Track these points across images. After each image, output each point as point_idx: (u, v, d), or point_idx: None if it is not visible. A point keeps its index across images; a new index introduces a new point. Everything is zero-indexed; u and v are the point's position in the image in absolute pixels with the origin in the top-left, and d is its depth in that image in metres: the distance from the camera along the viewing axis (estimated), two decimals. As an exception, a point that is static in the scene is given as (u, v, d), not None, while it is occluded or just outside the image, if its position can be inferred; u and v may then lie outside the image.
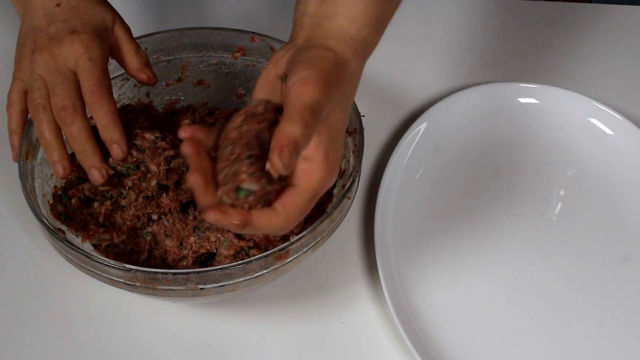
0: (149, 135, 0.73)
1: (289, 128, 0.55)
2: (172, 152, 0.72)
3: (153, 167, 0.72)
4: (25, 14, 0.71)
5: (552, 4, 1.02)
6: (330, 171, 0.58)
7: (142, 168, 0.73)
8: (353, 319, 0.77)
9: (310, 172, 0.58)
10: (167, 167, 0.72)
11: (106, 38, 0.71)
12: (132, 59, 0.73)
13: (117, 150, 0.68)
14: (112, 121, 0.67)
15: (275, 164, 0.55)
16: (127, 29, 0.74)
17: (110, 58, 0.72)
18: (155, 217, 0.72)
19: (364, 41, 0.62)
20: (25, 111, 0.71)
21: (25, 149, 0.71)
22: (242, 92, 0.83)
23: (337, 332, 0.76)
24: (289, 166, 0.55)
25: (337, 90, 0.58)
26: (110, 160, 0.73)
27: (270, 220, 0.58)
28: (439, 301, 0.78)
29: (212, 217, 0.56)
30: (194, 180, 0.56)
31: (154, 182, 0.72)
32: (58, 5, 0.70)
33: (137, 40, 0.78)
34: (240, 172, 0.56)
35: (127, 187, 0.72)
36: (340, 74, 0.59)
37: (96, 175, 0.68)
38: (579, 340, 0.76)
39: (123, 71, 0.79)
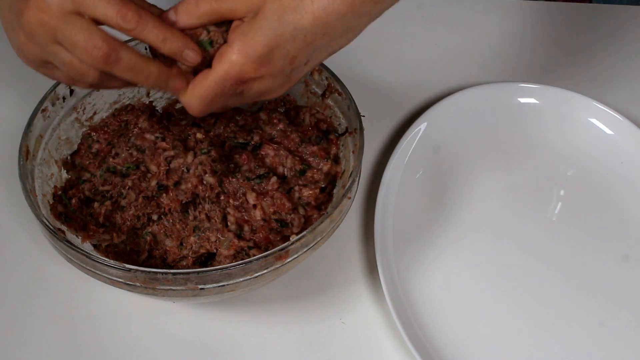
0: (149, 136, 0.73)
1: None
2: (172, 153, 0.72)
3: (153, 167, 0.72)
4: None
5: (552, 4, 1.02)
6: (245, 58, 0.56)
7: (142, 168, 0.73)
8: (353, 319, 0.77)
9: (221, 54, 0.58)
10: (167, 168, 0.72)
11: None
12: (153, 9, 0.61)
13: (190, 54, 0.59)
14: (166, 30, 0.57)
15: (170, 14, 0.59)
16: None
17: None
18: (155, 217, 0.73)
19: None
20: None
21: (25, 149, 0.71)
22: (242, 92, 0.83)
23: (337, 332, 0.76)
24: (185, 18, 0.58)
25: None
26: (110, 160, 0.73)
27: (174, 86, 0.59)
28: (439, 301, 0.78)
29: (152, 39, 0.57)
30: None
31: (154, 182, 0.72)
32: None
33: (138, 40, 0.78)
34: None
35: (127, 187, 0.72)
36: None
37: (191, 55, 0.59)
38: (579, 340, 0.76)
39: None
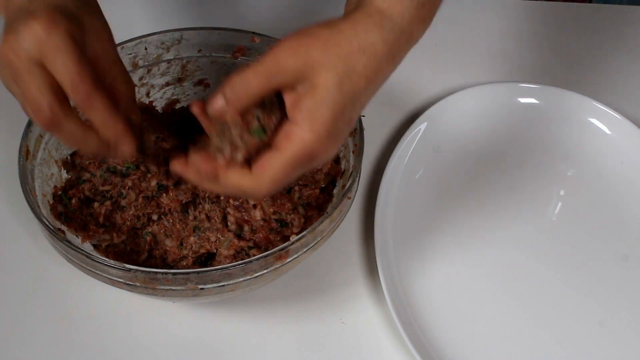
0: (150, 136, 0.73)
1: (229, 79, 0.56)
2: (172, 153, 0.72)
3: (153, 167, 0.72)
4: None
5: (552, 4, 1.02)
6: (317, 136, 0.55)
7: (142, 168, 0.73)
8: (353, 319, 0.77)
9: (289, 134, 0.56)
10: (167, 168, 0.72)
11: (76, 24, 0.56)
12: (121, 88, 0.61)
13: (124, 148, 0.58)
14: (109, 117, 0.56)
15: (214, 105, 0.57)
16: (112, 41, 0.61)
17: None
18: (155, 217, 0.73)
19: (399, 15, 0.58)
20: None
21: (25, 149, 0.71)
22: (242, 92, 0.83)
23: (337, 332, 0.76)
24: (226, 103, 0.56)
25: (319, 50, 0.55)
26: (111, 160, 0.73)
27: (240, 179, 0.57)
28: (439, 301, 0.78)
29: (175, 167, 0.56)
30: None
31: (153, 182, 0.72)
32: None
33: (137, 40, 0.78)
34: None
35: (127, 187, 0.72)
36: (333, 38, 0.56)
37: (125, 150, 0.58)
38: (579, 340, 0.76)
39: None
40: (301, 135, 0.56)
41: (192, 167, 0.58)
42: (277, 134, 0.57)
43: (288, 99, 0.57)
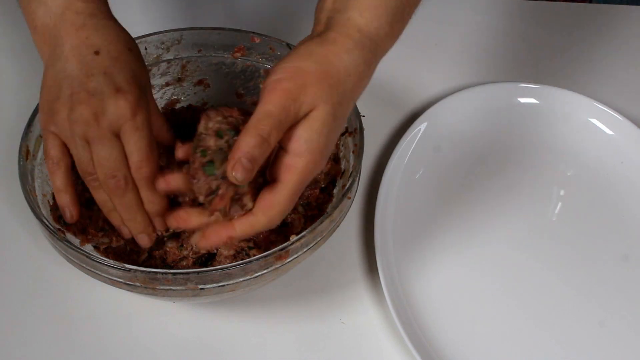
0: None
1: (243, 140, 0.57)
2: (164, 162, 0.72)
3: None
4: (53, 56, 0.62)
5: (552, 4, 1.02)
6: (315, 162, 0.59)
7: None
8: (353, 320, 0.77)
9: (291, 167, 0.59)
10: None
11: (148, 100, 0.64)
12: (167, 135, 0.69)
13: (160, 223, 0.65)
14: (156, 197, 0.64)
15: (230, 177, 0.58)
16: (151, 92, 0.68)
17: None
18: None
19: (375, 32, 0.61)
20: (70, 168, 0.64)
21: (25, 149, 0.71)
22: (242, 92, 0.83)
23: (337, 333, 0.76)
24: (245, 178, 0.57)
25: (315, 87, 0.58)
26: None
27: (253, 226, 0.60)
28: (439, 301, 0.78)
29: (203, 244, 0.60)
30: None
31: None
32: (97, 53, 0.61)
33: (137, 41, 0.78)
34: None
35: None
36: (324, 70, 0.59)
37: (145, 240, 0.66)
38: (579, 340, 0.76)
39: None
40: (302, 165, 0.59)
41: (210, 240, 0.62)
42: (275, 167, 0.60)
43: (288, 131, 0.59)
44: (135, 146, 0.61)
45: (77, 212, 0.66)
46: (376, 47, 0.62)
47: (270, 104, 0.57)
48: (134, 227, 0.65)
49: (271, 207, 0.60)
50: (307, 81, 0.58)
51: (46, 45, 0.63)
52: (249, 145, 0.57)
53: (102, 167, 0.62)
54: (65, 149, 0.63)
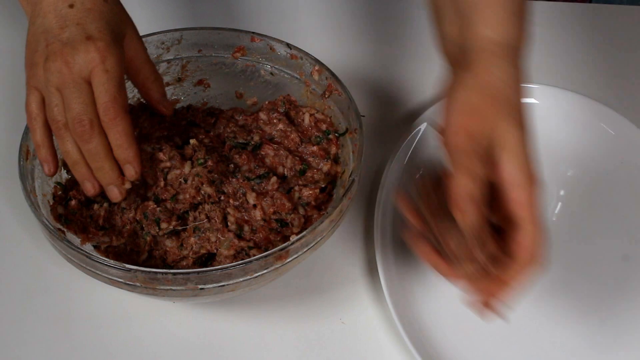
0: (146, 147, 0.73)
1: (453, 182, 0.59)
2: (169, 164, 0.72)
3: (149, 181, 0.72)
4: (34, 13, 0.66)
5: (552, 4, 1.02)
6: (530, 181, 0.60)
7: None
8: (353, 319, 0.77)
9: (517, 203, 0.59)
10: (165, 182, 0.72)
11: (122, 46, 0.66)
12: (153, 86, 0.70)
13: (130, 170, 0.65)
14: (126, 141, 0.64)
15: (458, 219, 0.59)
16: (142, 43, 0.69)
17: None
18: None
19: (509, 38, 0.64)
20: (47, 122, 0.66)
21: (25, 149, 0.71)
22: (242, 92, 0.84)
23: (337, 332, 0.76)
24: (470, 218, 0.59)
25: (492, 116, 0.60)
26: None
27: (525, 273, 0.62)
28: (439, 301, 0.78)
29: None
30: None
31: (150, 193, 0.72)
32: (71, 6, 0.64)
33: (137, 40, 0.79)
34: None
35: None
36: (489, 95, 0.61)
37: (114, 192, 0.66)
38: (579, 340, 0.76)
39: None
40: (527, 194, 0.60)
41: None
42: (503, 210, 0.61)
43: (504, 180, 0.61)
44: (103, 88, 0.63)
45: (55, 166, 0.67)
46: (515, 49, 0.64)
47: (458, 144, 0.60)
48: (102, 178, 0.65)
49: (529, 248, 0.60)
50: (481, 114, 0.60)
51: (29, 5, 0.66)
52: (461, 185, 0.59)
53: (70, 112, 0.63)
54: (43, 104, 0.65)
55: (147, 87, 0.70)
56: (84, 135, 0.63)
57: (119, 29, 0.66)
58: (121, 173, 0.66)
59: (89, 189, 0.66)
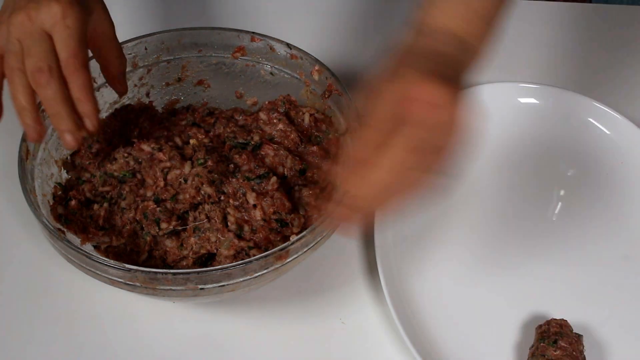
0: (145, 147, 0.73)
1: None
2: (168, 164, 0.72)
3: (149, 180, 0.72)
4: None
5: (552, 4, 1.02)
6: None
7: (138, 176, 0.73)
8: (353, 319, 0.77)
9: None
10: (164, 182, 0.72)
11: (87, 12, 0.66)
12: (115, 62, 0.71)
13: (88, 123, 0.65)
14: (85, 94, 0.64)
15: None
16: (110, 23, 0.70)
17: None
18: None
19: (469, 33, 0.65)
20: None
21: (25, 149, 0.71)
22: (242, 92, 0.84)
23: (337, 332, 0.76)
24: None
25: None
26: (108, 166, 0.73)
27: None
28: (439, 301, 0.78)
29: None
30: None
31: (149, 193, 0.72)
32: None
33: (137, 40, 0.79)
34: None
35: (126, 191, 0.72)
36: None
37: (69, 139, 0.65)
38: (579, 340, 0.76)
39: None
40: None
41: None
42: None
43: None
44: (64, 43, 0.64)
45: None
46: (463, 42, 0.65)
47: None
48: (58, 123, 0.64)
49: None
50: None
51: None
52: None
53: (29, 59, 0.63)
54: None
55: (108, 61, 0.71)
56: (41, 80, 0.63)
57: (86, 2, 0.67)
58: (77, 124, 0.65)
59: (33, 134, 0.65)
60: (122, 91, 0.74)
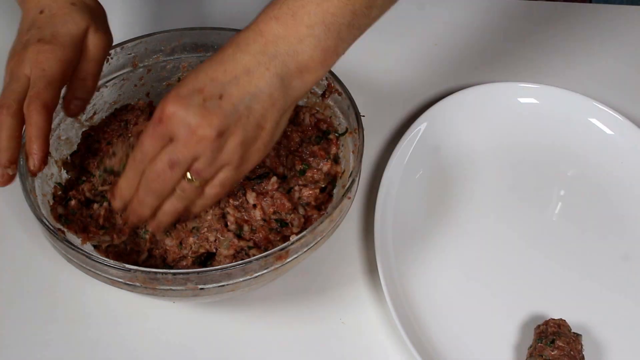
0: (142, 128, 0.73)
1: None
2: None
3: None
4: (22, 14, 0.72)
5: (552, 4, 1.02)
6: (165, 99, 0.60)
7: None
8: (353, 319, 0.77)
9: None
10: None
11: (75, 49, 0.69)
12: (79, 84, 0.71)
13: (30, 161, 0.66)
14: (34, 134, 0.65)
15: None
16: (102, 42, 0.71)
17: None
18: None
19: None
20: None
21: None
22: (242, 92, 0.83)
23: (337, 332, 0.76)
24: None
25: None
26: (107, 162, 0.73)
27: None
28: (439, 301, 0.78)
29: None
30: None
31: None
32: (41, 12, 0.70)
33: (138, 40, 0.79)
34: None
35: None
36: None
37: (5, 177, 0.66)
38: (579, 340, 0.76)
39: (123, 71, 0.79)
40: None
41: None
42: None
43: None
44: (33, 83, 0.66)
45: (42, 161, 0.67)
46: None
47: None
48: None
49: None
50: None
51: (19, 4, 0.72)
52: None
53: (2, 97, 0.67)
54: None
55: (77, 79, 0.71)
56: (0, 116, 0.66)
57: (76, 32, 0.69)
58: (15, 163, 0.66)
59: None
60: (69, 113, 0.72)
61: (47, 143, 0.66)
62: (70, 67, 0.68)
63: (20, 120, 0.66)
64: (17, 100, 0.66)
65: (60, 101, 0.70)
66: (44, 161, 0.66)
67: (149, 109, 0.81)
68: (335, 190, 0.76)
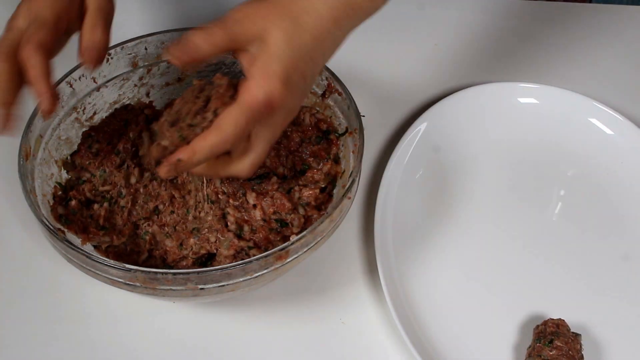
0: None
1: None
2: None
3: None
4: None
5: (552, 4, 1.02)
6: (271, 86, 0.60)
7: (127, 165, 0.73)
8: (353, 319, 0.77)
9: (246, 88, 0.61)
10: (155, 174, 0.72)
11: (50, 29, 0.67)
12: (87, 33, 0.69)
13: (42, 103, 0.64)
14: (35, 75, 0.64)
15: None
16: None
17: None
18: (159, 206, 0.73)
19: None
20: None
21: (25, 149, 0.71)
22: (242, 92, 0.83)
23: (337, 332, 0.76)
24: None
25: (269, 14, 0.61)
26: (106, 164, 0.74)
27: (205, 139, 0.61)
28: (439, 301, 0.78)
29: (163, 172, 0.62)
30: None
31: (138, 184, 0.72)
32: None
33: (137, 40, 0.78)
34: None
35: (125, 190, 0.72)
36: (279, 2, 0.62)
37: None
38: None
39: (123, 71, 0.79)
40: (256, 86, 0.60)
41: (171, 159, 0.63)
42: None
43: (245, 60, 0.62)
44: (29, 28, 0.65)
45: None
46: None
47: (227, 19, 0.61)
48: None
49: (222, 119, 0.61)
50: (265, 7, 0.62)
51: None
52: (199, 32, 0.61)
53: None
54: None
55: (86, 28, 0.68)
56: None
57: (68, 13, 0.68)
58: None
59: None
60: (87, 63, 0.69)
61: (50, 82, 0.65)
62: (64, 10, 0.67)
63: (13, 64, 0.64)
64: (9, 45, 0.65)
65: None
66: (55, 99, 0.65)
67: (149, 109, 0.81)
68: (335, 190, 0.76)
